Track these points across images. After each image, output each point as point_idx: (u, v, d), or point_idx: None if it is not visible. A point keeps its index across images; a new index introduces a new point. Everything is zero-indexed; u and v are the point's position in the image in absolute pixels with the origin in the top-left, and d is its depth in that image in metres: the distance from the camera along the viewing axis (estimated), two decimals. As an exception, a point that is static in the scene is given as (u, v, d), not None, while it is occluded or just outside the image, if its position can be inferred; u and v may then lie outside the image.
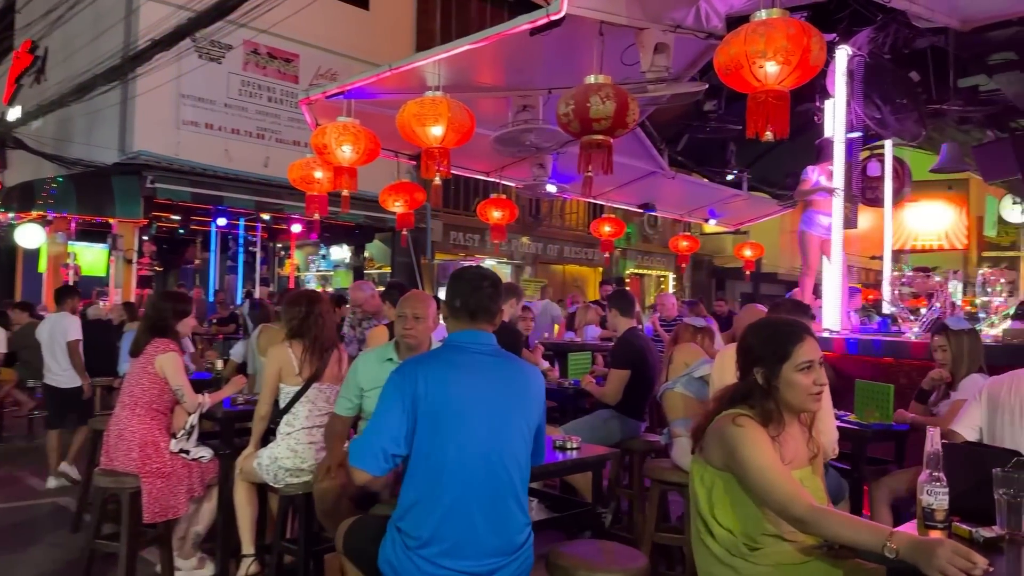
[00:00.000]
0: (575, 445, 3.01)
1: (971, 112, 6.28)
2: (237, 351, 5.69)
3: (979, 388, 3.51)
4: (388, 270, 15.49)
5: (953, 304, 5.53)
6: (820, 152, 6.56)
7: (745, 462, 1.96)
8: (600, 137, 3.80)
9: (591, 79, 3.82)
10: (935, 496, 1.77)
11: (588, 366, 5.41)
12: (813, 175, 6.53)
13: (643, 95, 4.09)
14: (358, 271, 16.04)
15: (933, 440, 1.80)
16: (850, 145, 6.18)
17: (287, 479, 3.47)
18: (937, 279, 5.64)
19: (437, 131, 4.23)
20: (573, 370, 5.23)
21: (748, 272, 13.18)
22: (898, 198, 9.90)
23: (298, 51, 13.65)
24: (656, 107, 5.40)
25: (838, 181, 6.11)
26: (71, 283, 10.66)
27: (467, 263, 15.06)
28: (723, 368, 3.48)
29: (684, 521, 3.78)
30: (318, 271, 17.39)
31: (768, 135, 3.10)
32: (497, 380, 2.25)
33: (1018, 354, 4.19)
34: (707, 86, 4.54)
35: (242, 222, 14.76)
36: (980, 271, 7.02)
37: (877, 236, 23.95)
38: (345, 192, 4.97)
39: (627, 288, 12.20)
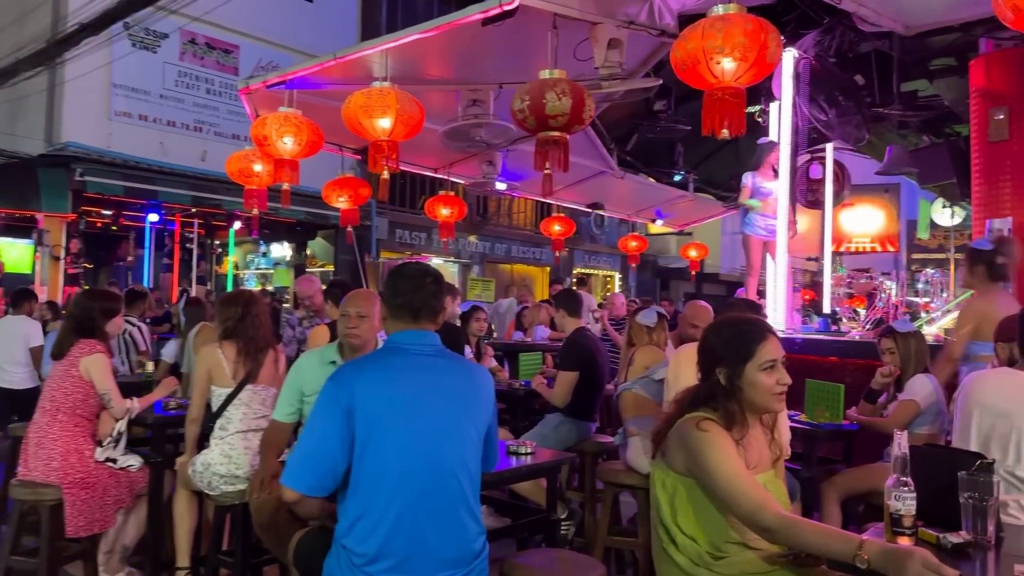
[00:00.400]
0: (529, 450, 2.90)
1: (910, 117, 6.42)
2: (169, 351, 5.41)
3: (928, 389, 3.55)
4: (331, 268, 15.15)
5: (896, 305, 5.64)
6: (760, 155, 6.62)
7: (710, 469, 1.88)
8: (556, 134, 3.72)
9: (546, 74, 3.73)
10: (903, 501, 1.72)
11: (539, 367, 5.32)
12: (750, 180, 6.59)
13: (597, 92, 4.01)
14: (299, 269, 15.64)
15: (901, 444, 1.75)
16: (794, 147, 6.24)
17: (221, 486, 3.28)
18: (879, 280, 5.76)
19: (385, 123, 4.08)
20: (524, 371, 5.13)
21: (694, 272, 13.36)
22: (837, 201, 10.12)
23: (238, 42, 13.23)
24: (609, 104, 5.35)
25: (783, 183, 6.17)
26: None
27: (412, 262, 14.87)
28: (678, 369, 3.43)
29: (638, 524, 3.72)
30: (257, 269, 16.91)
31: (724, 133, 3.06)
32: (443, 383, 2.12)
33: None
34: (660, 82, 4.50)
35: (178, 218, 14.23)
36: (924, 272, 7.22)
37: (814, 238, 24.50)
38: (285, 186, 4.77)
39: (586, 287, 12.19)
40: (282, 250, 16.35)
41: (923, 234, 16.86)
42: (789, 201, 6.15)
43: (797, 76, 6.11)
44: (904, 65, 5.34)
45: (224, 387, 3.34)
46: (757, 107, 7.28)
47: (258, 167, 5.51)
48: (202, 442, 3.43)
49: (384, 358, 2.15)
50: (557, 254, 9.36)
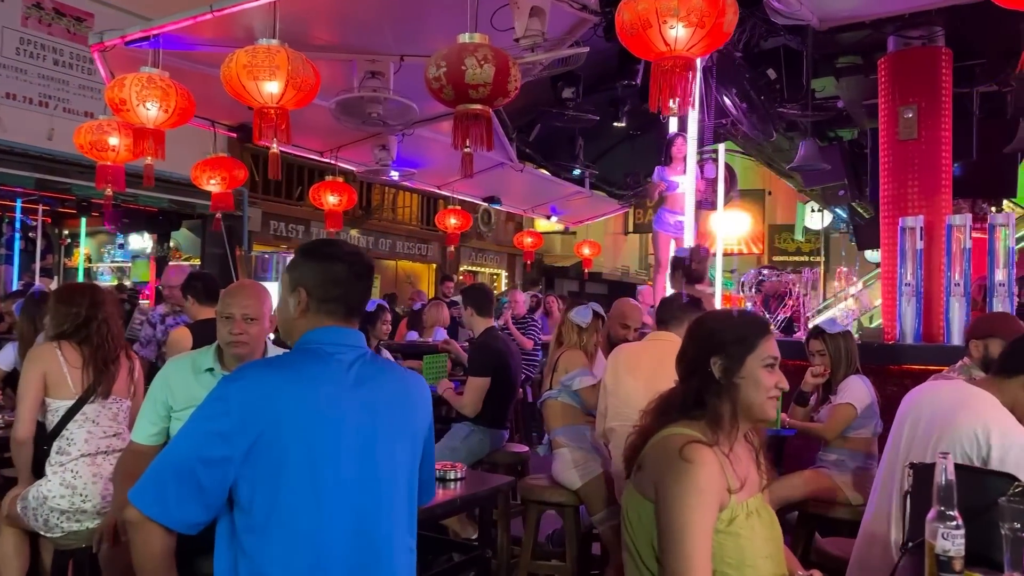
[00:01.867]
0: (458, 475, 2.44)
1: (806, 117, 6.43)
2: (7, 357, 4.50)
3: (863, 391, 3.39)
4: (197, 262, 13.94)
5: (803, 304, 5.60)
6: (667, 151, 6.46)
7: (673, 516, 1.53)
8: (478, 107, 3.27)
9: (465, 38, 3.27)
10: (952, 540, 1.42)
11: (444, 370, 4.85)
12: (657, 175, 6.41)
13: (521, 62, 3.60)
14: (161, 262, 14.30)
15: (946, 471, 1.44)
16: (701, 143, 6.10)
17: (63, 525, 2.62)
18: (789, 279, 5.71)
19: (273, 88, 3.48)
20: (427, 375, 4.64)
21: (587, 271, 13.20)
22: (727, 201, 10.29)
23: (92, 9, 11.86)
24: (529, 79, 4.95)
25: (689, 179, 6.01)
26: None
27: (290, 257, 13.93)
28: (618, 372, 3.08)
29: (566, 545, 3.34)
30: (113, 262, 15.38)
31: (672, 107, 2.73)
32: (375, 400, 1.64)
33: (877, 353, 4.18)
34: (588, 49, 4.14)
35: (19, 203, 12.63)
36: (804, 271, 7.30)
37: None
38: (148, 160, 4.05)
39: (483, 284, 11.75)
40: (141, 241, 14.91)
41: (799, 236, 17.66)
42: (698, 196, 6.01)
43: (707, 70, 5.97)
44: (812, 62, 5.28)
45: (63, 399, 2.67)
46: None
47: (114, 140, 4.71)
48: (36, 470, 2.75)
49: (300, 365, 1.63)
50: (451, 249, 8.89)
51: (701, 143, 5.99)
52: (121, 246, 15.26)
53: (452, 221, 8.25)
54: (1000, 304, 4.09)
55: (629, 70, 5.85)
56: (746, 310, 1.94)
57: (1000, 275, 4.10)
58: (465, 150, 3.38)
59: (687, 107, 2.78)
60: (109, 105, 3.95)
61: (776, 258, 25.41)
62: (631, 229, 22.80)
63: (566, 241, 22.34)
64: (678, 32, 2.64)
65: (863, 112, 6.41)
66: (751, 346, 1.69)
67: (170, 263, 13.48)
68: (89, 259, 14.71)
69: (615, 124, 7.56)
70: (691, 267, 4.73)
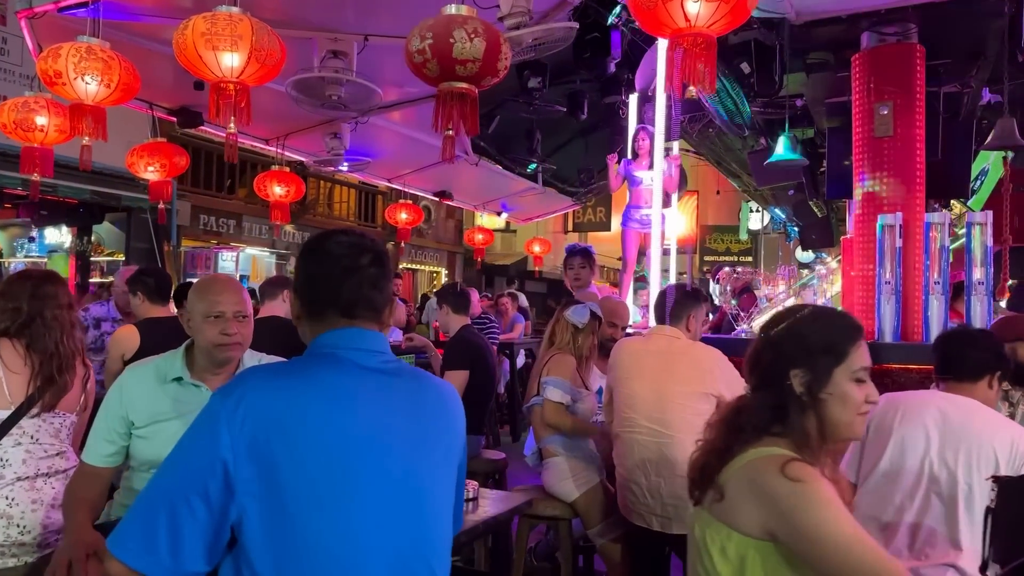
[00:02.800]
0: (471, 494, 2.18)
1: (773, 115, 6.39)
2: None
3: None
4: (121, 257, 13.13)
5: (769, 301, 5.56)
6: (633, 145, 6.31)
7: (820, 535, 1.31)
8: (464, 86, 2.99)
9: (451, 10, 3.00)
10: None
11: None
12: (623, 168, 6.25)
13: (511, 37, 3.35)
14: (82, 257, 13.42)
15: None
16: (668, 137, 5.96)
17: (-5, 560, 2.23)
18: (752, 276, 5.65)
19: (234, 60, 3.12)
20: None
21: (538, 269, 12.97)
22: (679, 196, 10.27)
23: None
24: (515, 60, 4.70)
25: (657, 173, 5.87)
26: None
27: (226, 252, 13.28)
28: (619, 368, 2.86)
29: (560, 561, 3.11)
30: (27, 256, 14.34)
31: (691, 90, 2.53)
32: (407, 416, 1.38)
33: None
34: (578, 26, 3.91)
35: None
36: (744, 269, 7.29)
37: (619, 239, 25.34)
38: (86, 140, 3.62)
39: (458, 283, 11.33)
40: (59, 235, 13.95)
41: (743, 236, 17.96)
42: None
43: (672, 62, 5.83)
44: (783, 57, 5.20)
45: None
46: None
47: (42, 119, 4.23)
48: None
49: (314, 372, 1.35)
50: (402, 244, 8.53)
51: (667, 137, 5.85)
52: (32, 239, 14.25)
53: (403, 216, 7.92)
54: (979, 303, 4.08)
55: (591, 61, 5.64)
56: (837, 309, 1.75)
57: (978, 273, 4.09)
58: (447, 133, 3.11)
59: (711, 90, 2.58)
60: (42, 78, 3.50)
61: (707, 258, 25.91)
62: (571, 228, 22.79)
63: (506, 239, 22.14)
64: (699, 9, 2.44)
65: (823, 111, 6.39)
66: (841, 355, 1.48)
67: (91, 259, 12.66)
68: (0, 253, 13.70)
69: (574, 117, 7.36)
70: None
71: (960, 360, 2.26)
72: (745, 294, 6.66)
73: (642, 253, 6.30)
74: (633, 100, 7.34)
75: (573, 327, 3.37)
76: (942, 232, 4.23)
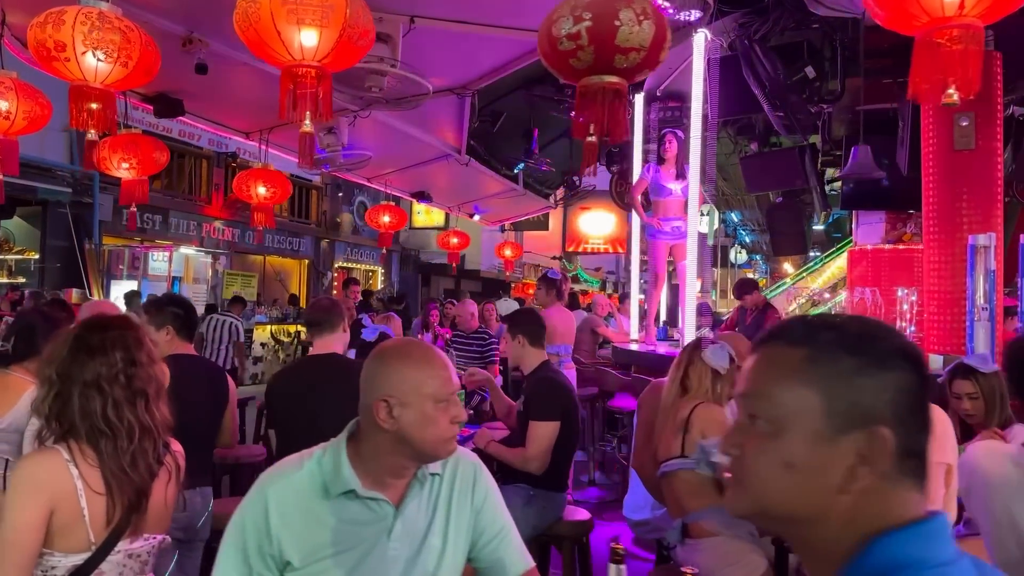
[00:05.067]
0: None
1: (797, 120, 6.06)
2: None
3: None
4: (34, 256, 11.71)
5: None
6: (657, 150, 5.85)
7: None
8: (615, 80, 2.41)
9: (605, -15, 2.40)
10: None
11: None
12: (650, 174, 5.77)
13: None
14: (-15, 256, 11.88)
15: None
16: (704, 142, 5.54)
17: None
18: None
19: (313, 39, 2.42)
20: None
21: (454, 264, 12.15)
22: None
23: None
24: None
25: (694, 180, 5.43)
26: None
27: (157, 251, 12.04)
28: None
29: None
30: (-83, 255, 12.63)
31: (952, 96, 2.06)
32: None
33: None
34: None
35: None
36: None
37: (555, 239, 25.32)
38: (92, 134, 2.82)
39: (357, 284, 10.53)
40: (-42, 231, 12.34)
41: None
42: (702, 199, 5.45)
43: (712, 60, 5.41)
44: (843, 59, 4.85)
45: (73, 552, 1.54)
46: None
47: (7, 104, 3.37)
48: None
49: None
50: (384, 251, 7.78)
51: (704, 142, 5.42)
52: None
53: (386, 219, 7.19)
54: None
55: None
56: None
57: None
58: (589, 139, 2.52)
59: (971, 92, 2.12)
60: (35, 51, 2.67)
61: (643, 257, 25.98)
62: (507, 227, 22.31)
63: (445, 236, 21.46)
64: (974, -4, 1.97)
65: (846, 119, 6.11)
66: None
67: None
68: None
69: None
70: (561, 287, 5.64)
71: None
72: (769, 310, 6.33)
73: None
74: (639, 100, 6.91)
75: (713, 372, 2.84)
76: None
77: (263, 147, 5.70)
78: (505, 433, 3.60)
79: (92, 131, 2.78)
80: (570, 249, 25.20)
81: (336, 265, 17.93)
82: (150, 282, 10.78)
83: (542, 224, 21.64)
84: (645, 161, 7.13)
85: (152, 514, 1.63)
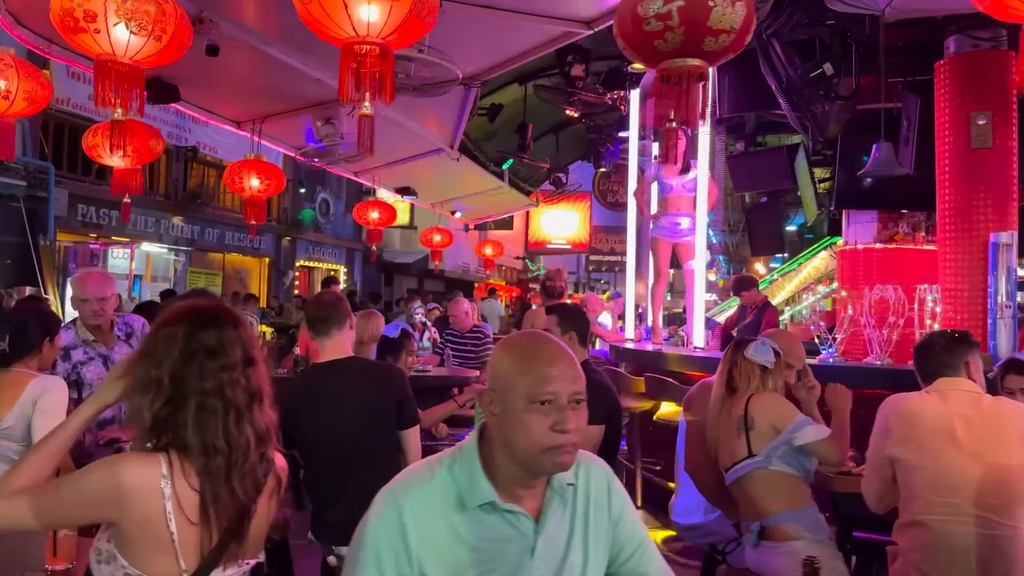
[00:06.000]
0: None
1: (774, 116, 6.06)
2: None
3: None
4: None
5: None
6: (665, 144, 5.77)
7: None
8: (698, 63, 2.30)
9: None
10: None
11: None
12: (653, 171, 5.70)
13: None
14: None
15: None
16: (713, 138, 5.49)
17: None
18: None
19: (372, 14, 2.24)
20: (479, 420, 3.53)
21: (437, 264, 11.91)
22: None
23: None
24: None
25: (703, 176, 5.36)
26: None
27: (117, 248, 11.51)
28: (917, 432, 2.27)
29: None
30: None
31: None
32: None
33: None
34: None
35: None
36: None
37: (519, 238, 25.21)
38: (118, 113, 2.57)
39: (336, 284, 10.26)
40: None
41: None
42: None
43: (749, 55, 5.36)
44: (858, 57, 4.84)
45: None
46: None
47: (5, 83, 3.08)
48: None
49: None
50: (374, 248, 7.54)
51: (714, 138, 5.36)
52: None
53: (374, 215, 6.96)
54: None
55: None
56: None
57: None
58: (670, 125, 2.39)
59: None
60: (58, 21, 2.42)
61: (592, 257, 26.17)
62: (472, 226, 22.15)
63: (405, 236, 21.10)
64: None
65: (841, 118, 6.14)
66: None
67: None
68: None
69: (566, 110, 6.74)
70: (547, 285, 5.54)
71: None
72: (768, 307, 6.32)
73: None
74: (635, 96, 6.83)
75: (760, 369, 2.76)
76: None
77: (255, 138, 5.43)
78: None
79: (118, 110, 2.53)
80: (533, 249, 25.21)
81: (298, 264, 17.50)
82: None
83: (507, 223, 21.57)
84: (641, 155, 7.09)
85: (251, 536, 1.44)
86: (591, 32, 4.13)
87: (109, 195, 12.36)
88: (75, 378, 3.38)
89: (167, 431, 1.38)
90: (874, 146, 4.47)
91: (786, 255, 12.38)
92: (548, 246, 24.83)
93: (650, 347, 5.27)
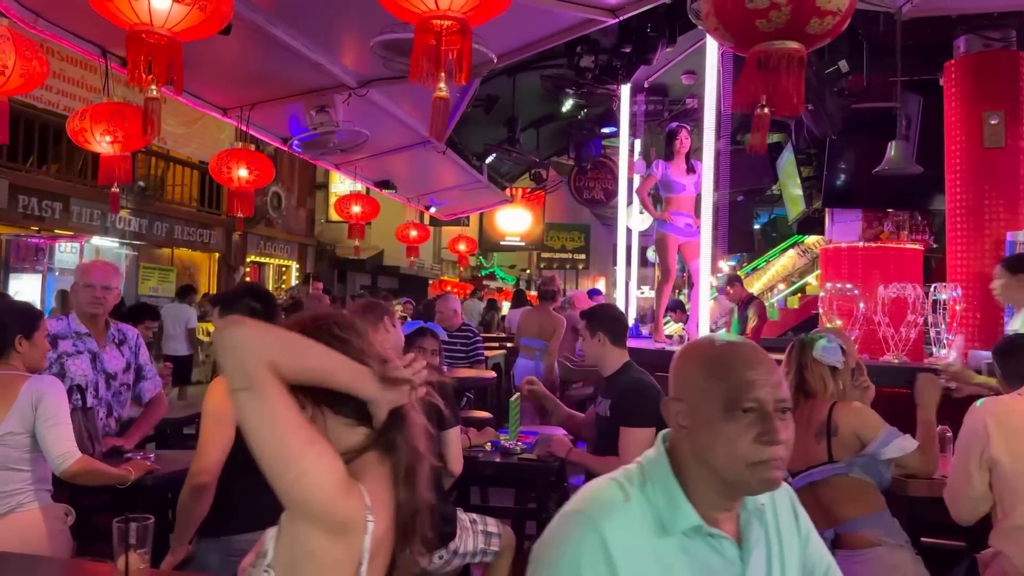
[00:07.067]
0: None
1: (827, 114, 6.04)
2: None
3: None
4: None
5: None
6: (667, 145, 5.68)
7: None
8: (796, 46, 2.17)
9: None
10: None
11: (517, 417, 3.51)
12: (659, 170, 5.60)
13: None
14: None
15: None
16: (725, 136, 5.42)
17: None
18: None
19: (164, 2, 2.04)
20: (513, 423, 3.35)
21: (412, 260, 11.61)
22: (609, 200, 9.82)
23: None
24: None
25: (707, 176, 5.28)
26: None
27: (66, 242, 10.85)
28: (1010, 436, 2.19)
29: None
30: None
31: None
32: None
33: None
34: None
35: None
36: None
37: (473, 234, 25.03)
38: (153, 91, 2.30)
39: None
40: None
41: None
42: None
43: (724, 55, 5.28)
44: (870, 54, 4.83)
45: None
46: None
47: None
48: None
49: None
50: (357, 243, 7.24)
51: (718, 135, 5.30)
52: None
53: (356, 209, 6.68)
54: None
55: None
56: None
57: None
58: (761, 110, 2.26)
59: None
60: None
61: (544, 254, 26.20)
62: (427, 222, 21.83)
63: (353, 231, 20.67)
64: None
65: (838, 118, 6.16)
66: None
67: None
68: None
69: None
70: (539, 287, 5.78)
71: None
72: (754, 301, 6.31)
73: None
74: (625, 91, 6.72)
75: (831, 369, 2.66)
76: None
77: (243, 126, 5.11)
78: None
79: (153, 88, 2.26)
80: (487, 246, 25.02)
81: (249, 259, 16.90)
82: (56, 276, 9.68)
83: (462, 219, 21.33)
84: (631, 153, 6.99)
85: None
86: (616, 21, 3.99)
87: (53, 187, 11.73)
88: (58, 369, 3.08)
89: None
90: (887, 144, 4.46)
91: (745, 255, 12.56)
92: (502, 243, 24.71)
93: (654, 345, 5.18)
